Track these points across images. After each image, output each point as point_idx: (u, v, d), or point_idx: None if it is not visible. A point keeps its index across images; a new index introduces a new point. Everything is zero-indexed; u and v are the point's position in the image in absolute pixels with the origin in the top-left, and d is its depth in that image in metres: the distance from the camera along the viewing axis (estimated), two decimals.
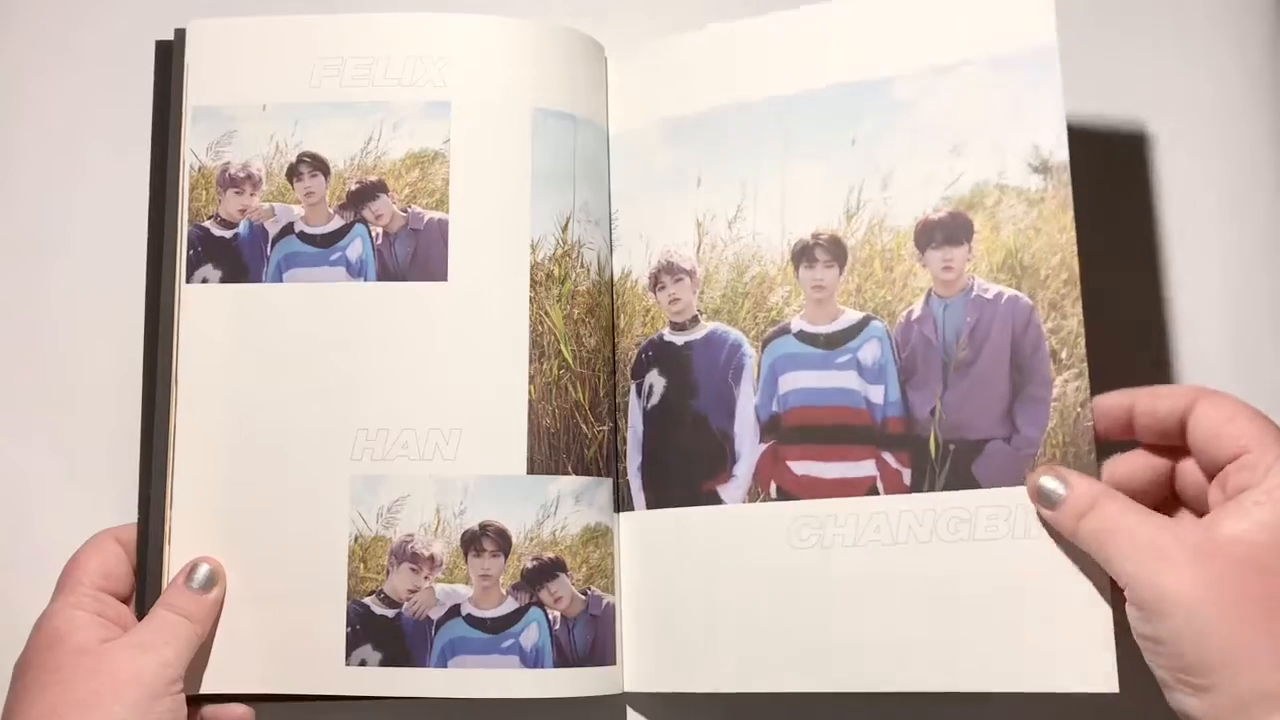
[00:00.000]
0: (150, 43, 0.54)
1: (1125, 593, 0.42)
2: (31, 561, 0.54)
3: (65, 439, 0.58)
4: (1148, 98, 0.60)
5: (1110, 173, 0.59)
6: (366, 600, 0.50)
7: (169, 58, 0.54)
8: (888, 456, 0.49)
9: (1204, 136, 0.60)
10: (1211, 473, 0.44)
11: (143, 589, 0.50)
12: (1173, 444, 0.46)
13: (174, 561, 0.50)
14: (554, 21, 0.54)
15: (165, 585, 0.50)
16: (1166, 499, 0.47)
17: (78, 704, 0.45)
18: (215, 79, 0.53)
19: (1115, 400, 0.47)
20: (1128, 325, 0.58)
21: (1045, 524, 0.46)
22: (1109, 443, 0.47)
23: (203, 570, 0.49)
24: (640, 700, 0.55)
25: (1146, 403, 0.46)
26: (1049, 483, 0.45)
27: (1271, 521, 0.40)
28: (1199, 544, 0.41)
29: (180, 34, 0.54)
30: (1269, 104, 0.60)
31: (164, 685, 0.46)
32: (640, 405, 0.53)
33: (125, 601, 0.50)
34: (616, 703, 0.55)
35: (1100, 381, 0.50)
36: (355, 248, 0.52)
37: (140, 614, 0.50)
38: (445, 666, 0.49)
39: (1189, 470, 0.46)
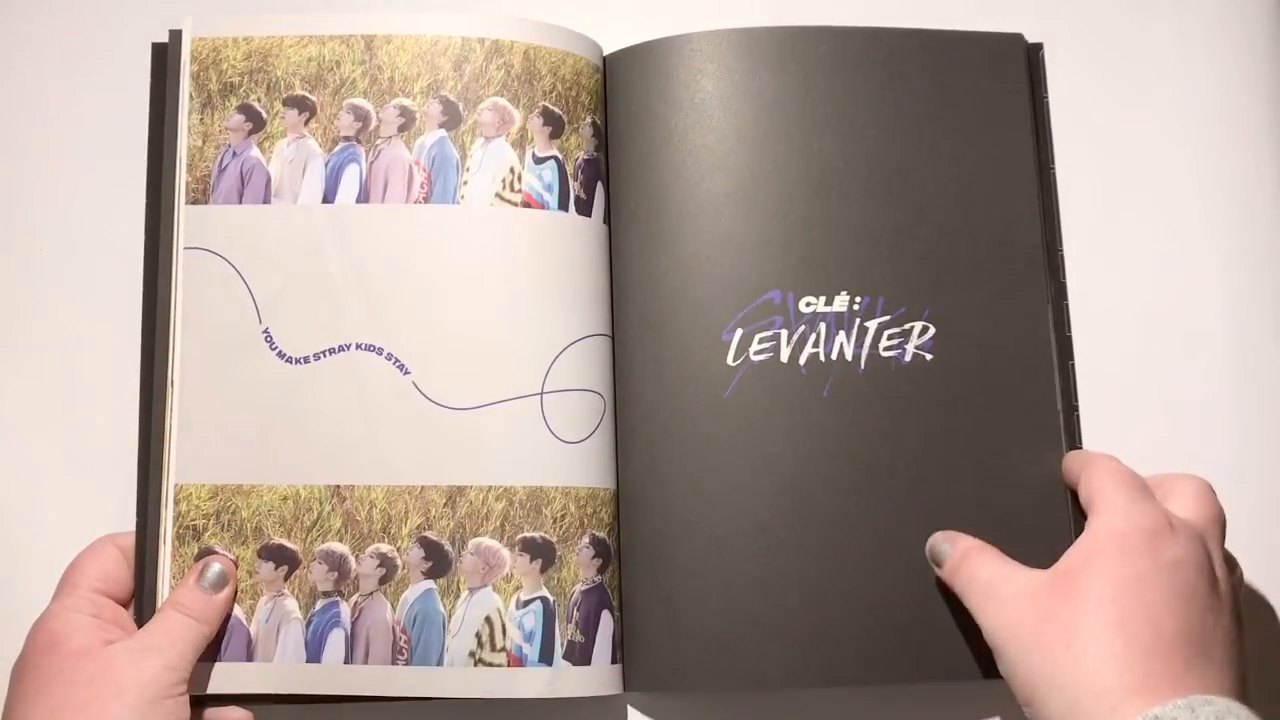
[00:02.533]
0: (147, 44, 0.54)
1: None
2: (31, 563, 0.54)
3: (65, 439, 0.57)
4: (1147, 98, 0.59)
5: (1109, 174, 0.59)
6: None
7: (164, 59, 0.54)
8: None
9: (1204, 137, 0.59)
10: None
11: (141, 593, 0.50)
12: None
13: (170, 564, 0.50)
14: None
15: (160, 589, 0.50)
16: None
17: (79, 707, 0.44)
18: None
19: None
20: (1127, 326, 0.57)
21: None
22: None
23: (214, 569, 0.49)
24: (640, 700, 0.53)
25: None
26: (941, 544, 0.50)
27: (1076, 559, 0.44)
28: (1024, 585, 0.45)
29: (175, 35, 0.54)
30: (1269, 104, 0.59)
31: (167, 687, 0.46)
32: None
33: (124, 605, 0.50)
34: (616, 703, 0.53)
35: (1101, 385, 0.55)
36: None
37: (138, 618, 0.50)
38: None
39: None
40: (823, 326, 0.53)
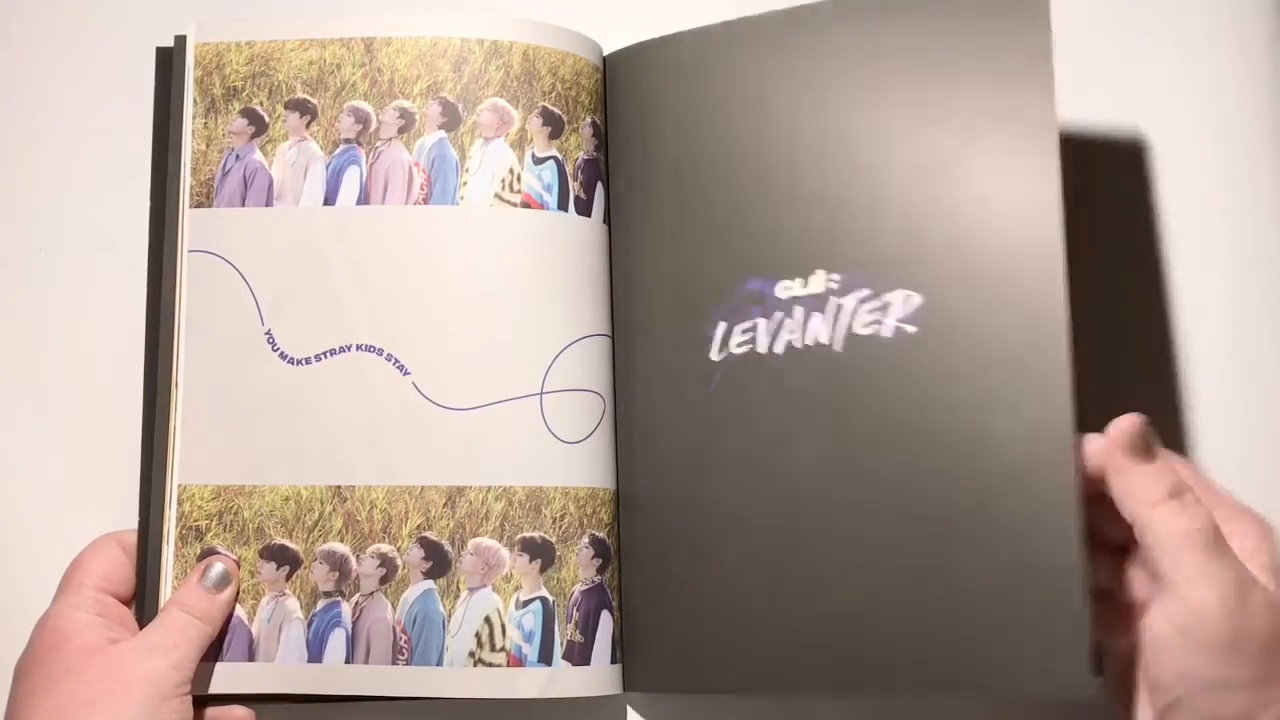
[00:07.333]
0: (151, 49, 0.55)
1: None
2: (32, 563, 0.54)
3: (69, 440, 0.57)
4: (1148, 99, 0.58)
5: (1110, 175, 0.58)
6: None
7: (169, 64, 0.55)
8: None
9: (1204, 138, 0.58)
10: None
11: (142, 592, 0.51)
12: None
13: (173, 564, 0.51)
14: None
15: (163, 589, 0.50)
16: None
17: (87, 703, 0.45)
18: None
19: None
20: (1128, 327, 0.57)
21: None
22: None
23: (216, 569, 0.50)
24: (640, 700, 0.53)
25: None
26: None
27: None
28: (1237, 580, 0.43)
29: (180, 40, 0.54)
30: (1269, 104, 0.58)
31: (174, 686, 0.46)
32: None
33: (126, 603, 0.50)
34: (616, 703, 0.53)
35: (1104, 386, 0.50)
36: None
37: (140, 616, 0.50)
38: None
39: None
40: (799, 311, 0.50)
